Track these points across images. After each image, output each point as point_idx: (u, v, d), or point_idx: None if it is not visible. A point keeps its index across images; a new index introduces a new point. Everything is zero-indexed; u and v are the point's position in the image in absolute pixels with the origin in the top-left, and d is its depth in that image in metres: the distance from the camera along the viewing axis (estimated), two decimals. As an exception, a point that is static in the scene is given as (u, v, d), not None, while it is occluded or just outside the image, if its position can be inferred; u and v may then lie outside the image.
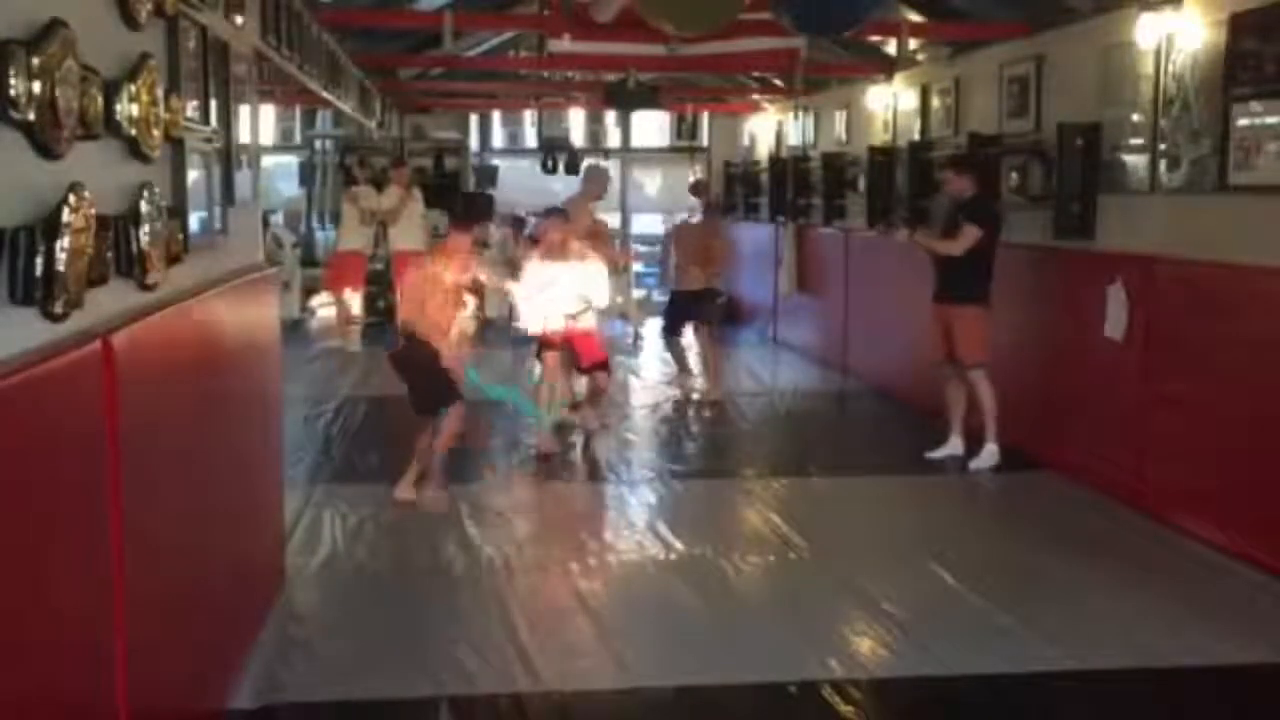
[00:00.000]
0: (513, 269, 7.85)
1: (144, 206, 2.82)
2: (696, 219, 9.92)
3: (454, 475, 6.71)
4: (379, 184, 11.81)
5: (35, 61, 2.15)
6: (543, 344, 7.40)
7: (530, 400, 7.38)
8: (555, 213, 7.63)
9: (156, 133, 2.92)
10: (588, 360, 7.27)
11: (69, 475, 2.38)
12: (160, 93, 2.96)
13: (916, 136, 9.13)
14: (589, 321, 7.30)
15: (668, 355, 9.70)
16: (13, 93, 2.08)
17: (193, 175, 3.45)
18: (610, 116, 15.71)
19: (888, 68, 9.68)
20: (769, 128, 13.30)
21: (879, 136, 9.88)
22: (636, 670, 4.09)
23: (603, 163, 12.08)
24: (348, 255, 11.50)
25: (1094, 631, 4.43)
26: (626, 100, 11.81)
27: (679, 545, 5.45)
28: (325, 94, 7.96)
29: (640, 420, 8.49)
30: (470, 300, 6.47)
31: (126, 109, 2.69)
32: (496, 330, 11.58)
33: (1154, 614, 4.61)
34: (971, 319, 6.80)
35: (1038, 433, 6.90)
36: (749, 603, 4.91)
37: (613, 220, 15.02)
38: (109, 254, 2.60)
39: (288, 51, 5.89)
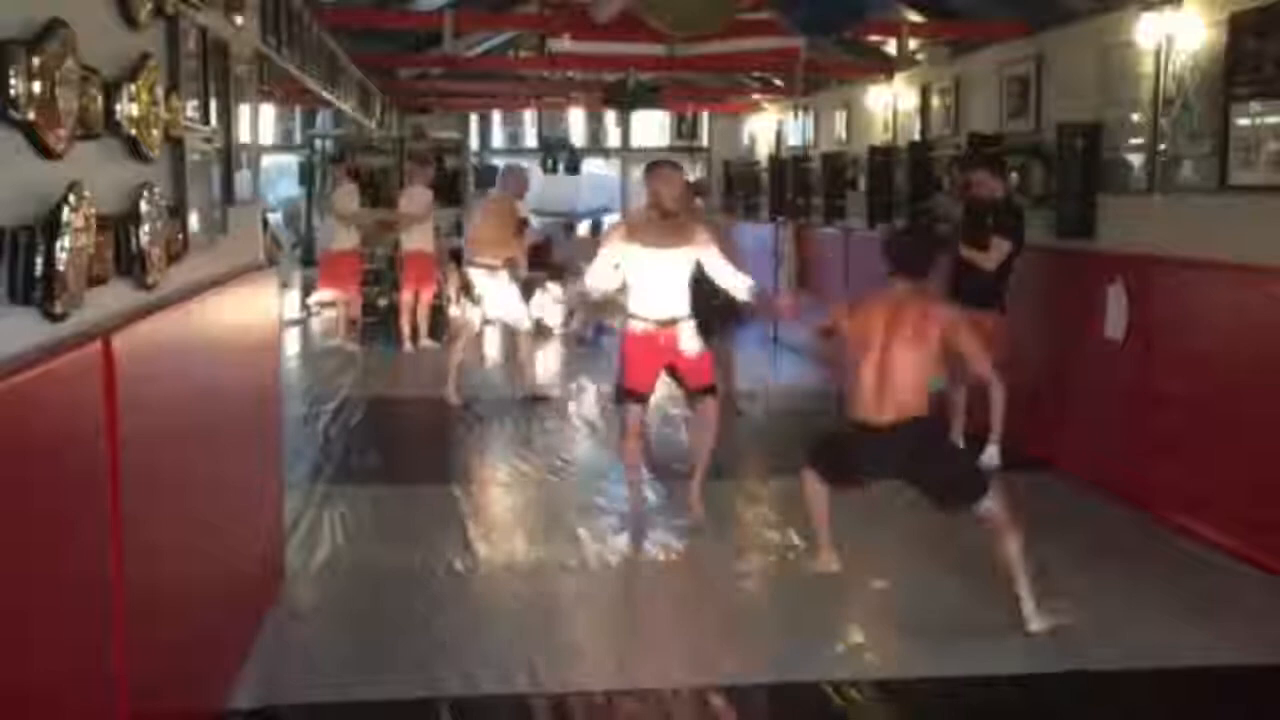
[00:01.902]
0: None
1: (144, 206, 2.82)
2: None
3: (453, 475, 6.74)
4: (376, 188, 11.71)
5: (35, 61, 2.15)
6: (629, 389, 5.62)
7: None
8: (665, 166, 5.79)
9: (156, 133, 2.92)
10: (695, 382, 5.70)
11: (69, 475, 2.37)
12: (160, 93, 2.97)
13: (917, 136, 9.14)
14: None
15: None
16: (13, 93, 2.08)
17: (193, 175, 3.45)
18: (610, 116, 15.74)
19: (888, 68, 9.69)
20: (769, 128, 13.30)
21: (879, 136, 9.88)
22: (636, 670, 4.10)
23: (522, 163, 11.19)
24: (341, 255, 11.43)
25: (1094, 631, 4.42)
26: (626, 100, 11.82)
27: (679, 545, 5.45)
28: (325, 94, 7.97)
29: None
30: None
31: (126, 109, 2.70)
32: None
33: (1154, 614, 4.61)
34: (987, 325, 6.75)
35: (1038, 432, 6.89)
36: (749, 603, 4.91)
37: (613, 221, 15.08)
38: (109, 253, 2.61)
39: (288, 52, 5.90)
